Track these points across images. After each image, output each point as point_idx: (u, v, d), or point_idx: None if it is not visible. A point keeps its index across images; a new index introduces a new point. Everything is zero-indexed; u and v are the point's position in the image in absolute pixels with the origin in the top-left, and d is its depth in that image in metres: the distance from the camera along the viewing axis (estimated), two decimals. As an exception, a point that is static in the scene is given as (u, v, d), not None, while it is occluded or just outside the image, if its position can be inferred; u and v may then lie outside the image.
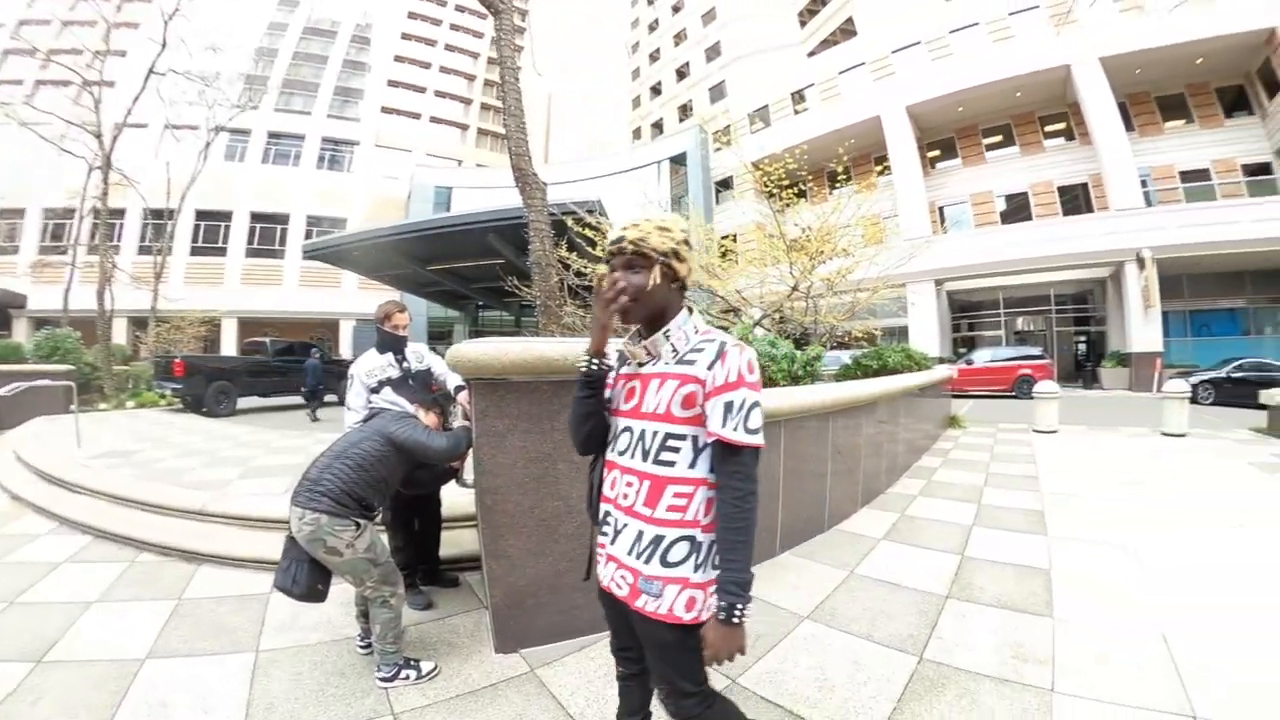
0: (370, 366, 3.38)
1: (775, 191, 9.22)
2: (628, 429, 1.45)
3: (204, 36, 20.04)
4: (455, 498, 3.78)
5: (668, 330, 1.42)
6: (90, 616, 3.29)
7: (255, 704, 2.43)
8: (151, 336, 18.30)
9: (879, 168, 15.45)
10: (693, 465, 1.37)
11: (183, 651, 2.88)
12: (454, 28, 46.82)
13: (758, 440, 1.31)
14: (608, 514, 1.49)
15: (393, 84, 41.30)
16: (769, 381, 5.15)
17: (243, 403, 13.81)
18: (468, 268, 19.22)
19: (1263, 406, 10.14)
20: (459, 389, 3.36)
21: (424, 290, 22.62)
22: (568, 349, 2.71)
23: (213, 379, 12.86)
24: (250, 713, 2.38)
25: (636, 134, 47.39)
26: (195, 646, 2.93)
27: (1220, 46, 20.29)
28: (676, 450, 1.37)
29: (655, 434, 1.39)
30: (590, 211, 9.23)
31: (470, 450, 2.91)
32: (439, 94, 44.04)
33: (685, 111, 41.72)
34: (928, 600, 3.28)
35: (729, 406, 1.31)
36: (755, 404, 1.32)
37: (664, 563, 1.36)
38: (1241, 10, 19.53)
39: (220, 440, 8.64)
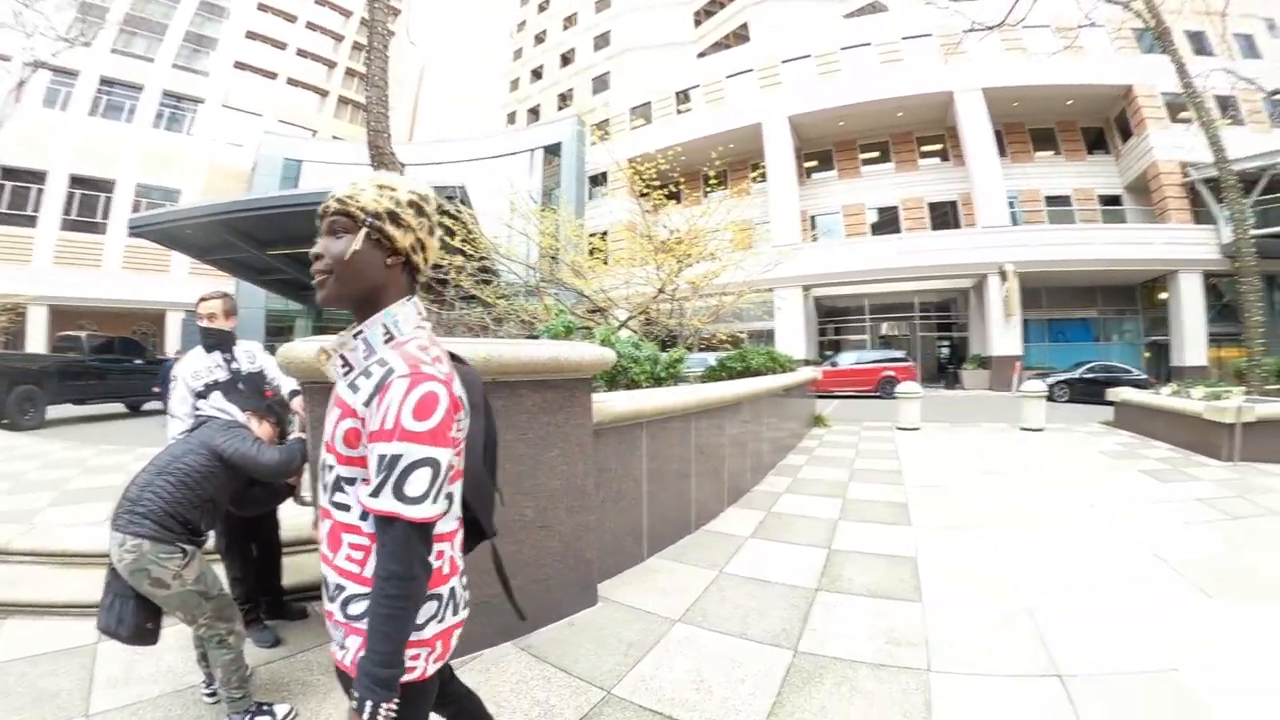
0: (196, 367, 3.12)
1: (646, 191, 9.51)
2: (330, 466, 1.22)
3: None
4: (295, 518, 3.54)
5: (360, 330, 1.20)
6: None
7: None
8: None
9: (754, 174, 16.52)
10: (365, 517, 1.15)
11: None
12: None
13: (414, 512, 1.06)
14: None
15: (251, 35, 37.70)
16: (630, 383, 5.16)
17: (53, 411, 12.28)
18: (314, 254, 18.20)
19: (1110, 403, 11.99)
20: (294, 394, 3.19)
21: (263, 279, 20.96)
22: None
23: (16, 382, 11.30)
24: None
25: (511, 119, 46.80)
26: None
27: (1088, 93, 24.59)
28: (345, 494, 1.17)
29: (329, 468, 1.19)
30: (450, 198, 9.04)
31: (306, 464, 2.80)
32: (301, 53, 40.87)
33: (565, 100, 41.73)
34: (798, 594, 3.51)
35: (380, 461, 1.07)
36: (419, 462, 1.06)
37: (344, 613, 1.17)
38: (1107, 66, 23.99)
39: (25, 460, 7.71)
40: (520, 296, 8.66)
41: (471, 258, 8.11)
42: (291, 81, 39.78)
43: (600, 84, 39.35)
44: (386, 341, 1.17)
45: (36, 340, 24.78)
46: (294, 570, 3.63)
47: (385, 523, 1.07)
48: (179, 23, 34.19)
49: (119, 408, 14.72)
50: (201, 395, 3.08)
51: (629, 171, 10.37)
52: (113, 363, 13.70)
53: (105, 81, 30.54)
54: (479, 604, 3.00)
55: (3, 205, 26.62)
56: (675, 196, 11.40)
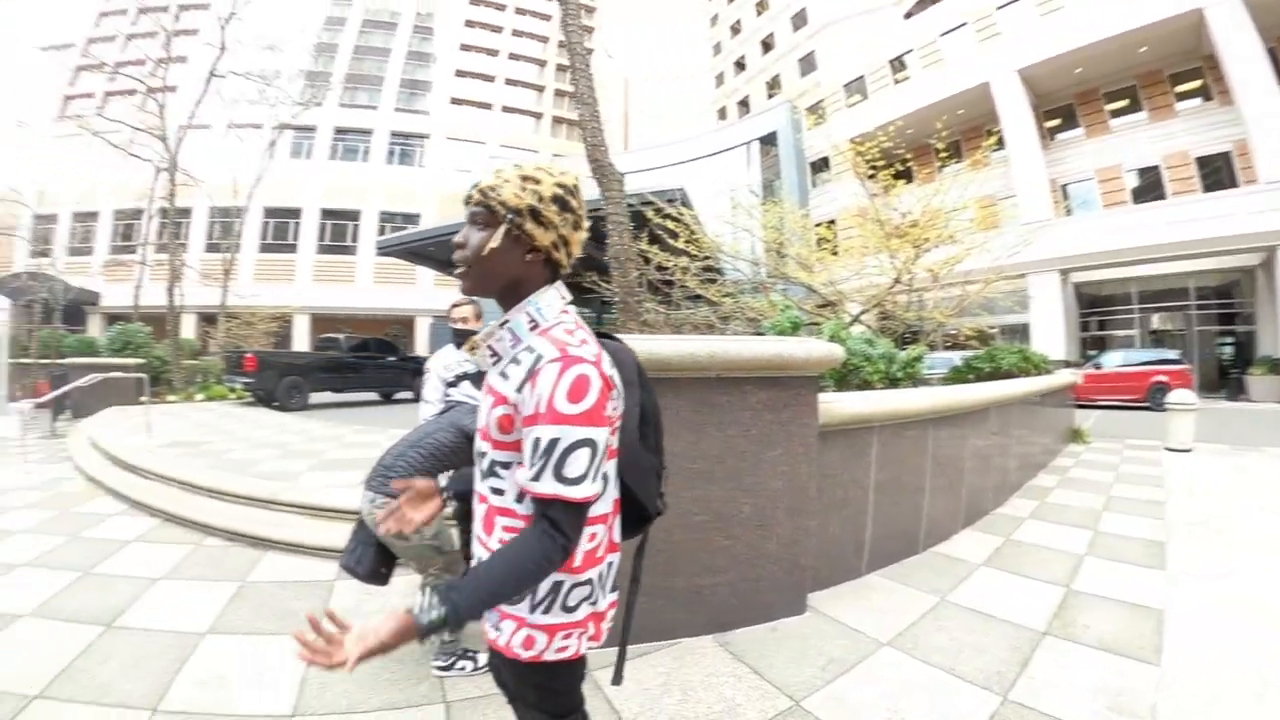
0: (448, 361, 3.50)
1: (873, 172, 8.93)
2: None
3: (261, 37, 21.53)
4: None
5: (505, 321, 1.20)
6: (156, 591, 3.61)
7: (310, 682, 2.60)
8: (221, 332, 19.85)
9: (990, 141, 14.34)
10: (520, 499, 1.17)
11: (243, 630, 3.12)
12: (519, 11, 47.77)
13: (575, 492, 1.07)
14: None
15: (460, 74, 42.51)
16: (863, 384, 4.91)
17: (315, 398, 14.62)
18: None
19: None
20: None
21: None
22: (641, 346, 2.77)
23: (285, 374, 13.69)
24: (305, 690, 2.54)
25: (722, 114, 46.48)
26: (256, 626, 3.17)
27: None
28: (501, 478, 1.19)
29: (482, 455, 1.22)
30: (671, 201, 9.18)
31: None
32: (510, 82, 45.05)
33: (774, 87, 40.52)
34: (1023, 636, 3.11)
35: (535, 445, 1.08)
36: (578, 444, 1.07)
37: None
38: None
39: (292, 434, 9.18)
40: (746, 294, 8.56)
41: (695, 258, 8.21)
42: (506, 109, 44.08)
43: (807, 64, 37.81)
44: (532, 329, 1.18)
45: (301, 341, 30.31)
46: None
47: (544, 504, 1.09)
48: (393, 73, 39.94)
49: (374, 397, 16.96)
50: (452, 384, 3.42)
51: (851, 153, 9.88)
52: (367, 359, 15.99)
53: (339, 131, 36.66)
54: (688, 591, 2.98)
55: (269, 237, 32.99)
56: (905, 175, 10.63)
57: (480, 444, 1.22)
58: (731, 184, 14.14)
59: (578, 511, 1.09)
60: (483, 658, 2.72)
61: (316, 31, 39.87)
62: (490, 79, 44.20)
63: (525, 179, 1.18)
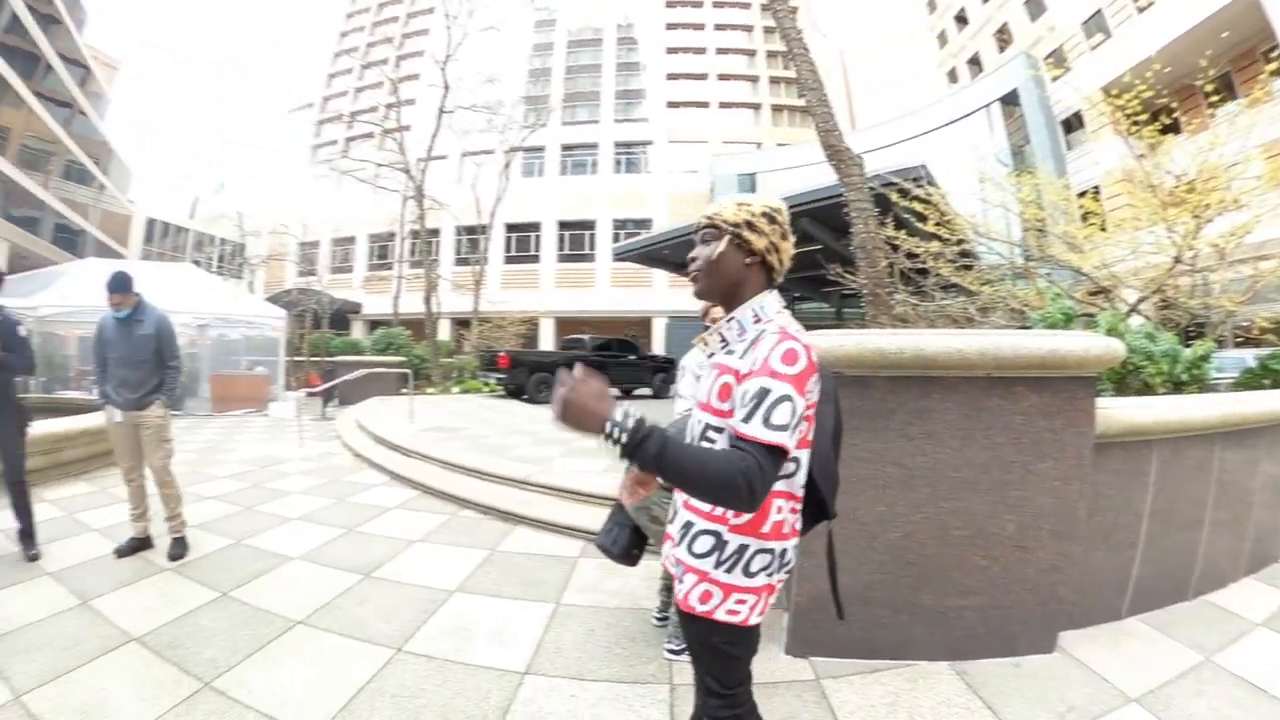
0: (701, 359, 3.49)
1: (1134, 127, 7.24)
2: (691, 414, 1.53)
3: (479, 72, 23.97)
4: None
5: (733, 317, 1.42)
6: (412, 551, 4.04)
7: (546, 645, 2.76)
8: (474, 334, 22.35)
9: (1271, 67, 10.54)
10: None
11: (489, 592, 3.38)
12: (717, 4, 47.62)
13: (776, 437, 1.21)
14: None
15: (672, 77, 43.48)
16: (1143, 386, 4.39)
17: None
18: (780, 257, 19.45)
19: None
20: None
21: None
22: (906, 342, 2.63)
23: (535, 371, 15.00)
24: (540, 651, 2.70)
25: (952, 76, 42.03)
26: (501, 590, 3.40)
27: None
28: (713, 442, 1.37)
29: (700, 422, 1.42)
30: (915, 180, 8.32)
31: None
32: (721, 77, 45.12)
33: (1004, 38, 35.79)
34: None
35: (744, 395, 1.26)
36: (784, 398, 1.23)
37: (690, 550, 1.42)
38: None
39: (542, 424, 9.86)
40: (1006, 280, 7.57)
41: (948, 241, 7.43)
42: (723, 105, 44.26)
43: (1035, 6, 32.42)
44: (755, 322, 1.39)
45: (546, 342, 33.06)
46: None
47: (745, 444, 1.22)
48: (607, 87, 41.81)
49: (615, 392, 18.13)
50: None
51: (1106, 105, 8.17)
52: (610, 358, 16.88)
53: (566, 148, 39.21)
54: (932, 611, 2.79)
55: (513, 250, 36.50)
56: (1173, 129, 8.46)
57: (697, 414, 1.44)
58: (975, 154, 12.43)
59: (773, 460, 1.21)
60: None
61: (527, 59, 43.30)
62: (701, 77, 44.50)
63: (740, 204, 1.43)
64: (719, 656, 1.42)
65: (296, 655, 2.67)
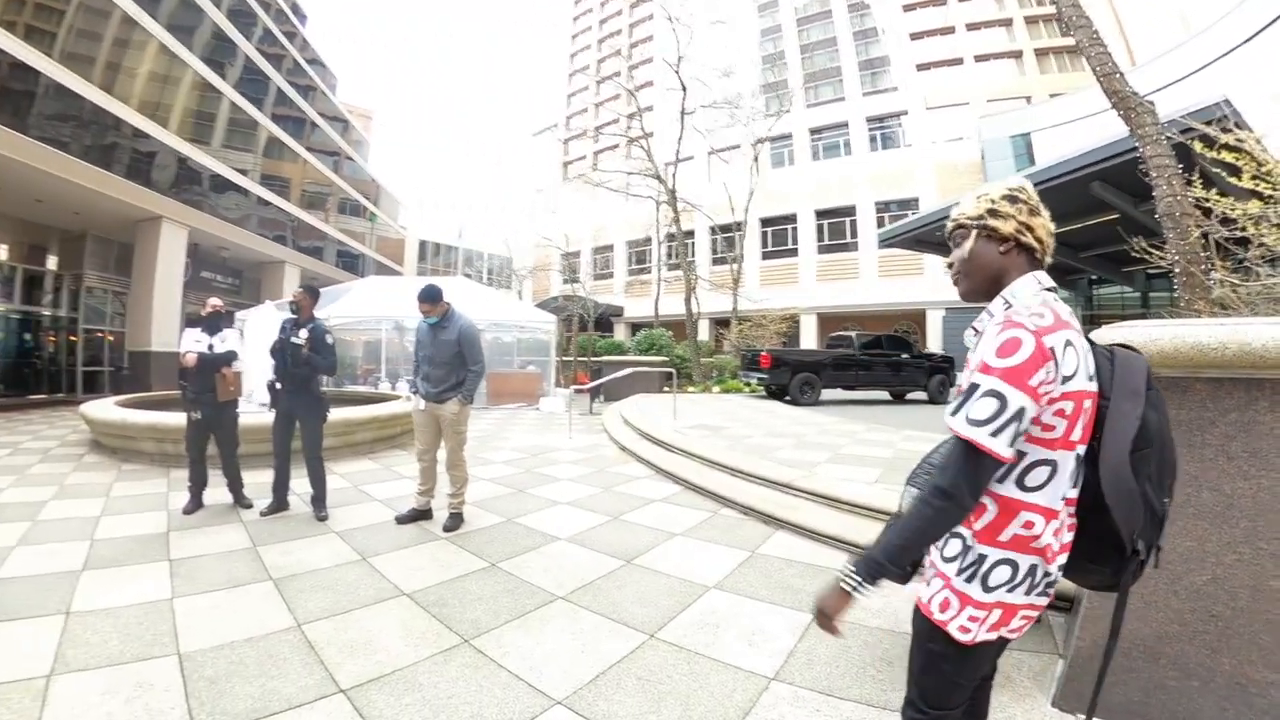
0: None
1: None
2: None
3: (714, 68, 24.24)
4: None
5: (984, 306, 1.44)
6: (673, 544, 4.17)
7: (798, 654, 2.74)
8: (734, 333, 22.84)
9: None
10: (1001, 478, 1.34)
11: (745, 593, 3.36)
12: None
13: (971, 433, 1.22)
14: None
15: (915, 36, 39.78)
16: None
17: (826, 394, 15.52)
18: (1071, 231, 16.65)
19: None
20: None
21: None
22: (1228, 334, 2.12)
23: (798, 370, 14.83)
24: (790, 660, 2.69)
25: None
26: (758, 592, 3.36)
27: None
28: None
29: None
30: (1218, 121, 6.66)
31: None
32: (970, 27, 40.16)
33: None
34: None
35: (961, 388, 1.29)
36: (989, 393, 1.22)
37: (941, 554, 1.41)
38: None
39: (806, 426, 9.76)
40: None
41: (1270, 200, 5.88)
42: (978, 58, 39.65)
43: None
44: (1005, 309, 1.35)
45: (808, 339, 32.53)
46: None
47: (954, 442, 1.26)
48: (847, 60, 39.19)
49: (885, 396, 17.28)
50: None
51: None
52: (879, 357, 16.14)
53: (814, 131, 37.64)
54: (1231, 682, 2.24)
55: (769, 245, 36.09)
56: None
57: None
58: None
59: (975, 461, 1.22)
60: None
61: (758, 46, 42.57)
62: (949, 31, 39.91)
63: (978, 196, 1.45)
64: (932, 666, 1.41)
65: (553, 627, 2.93)
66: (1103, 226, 14.21)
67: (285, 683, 2.37)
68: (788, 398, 14.44)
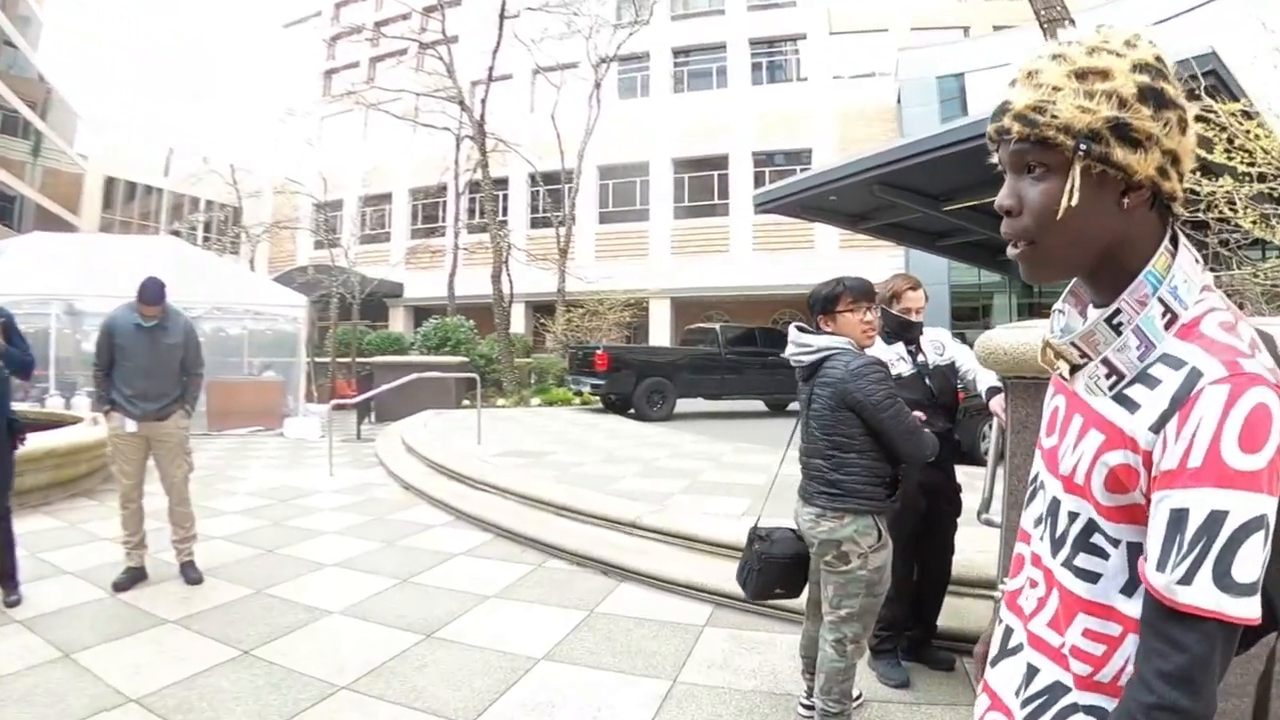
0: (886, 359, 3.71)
1: None
2: (1041, 485, 1.21)
3: None
4: (972, 555, 4.14)
5: (1115, 311, 1.07)
6: (485, 608, 4.46)
7: None
8: (560, 324, 22.88)
9: None
10: (1129, 591, 1.06)
11: (585, 662, 3.71)
12: None
13: (1242, 609, 0.92)
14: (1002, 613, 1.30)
15: None
16: None
17: (682, 405, 16.02)
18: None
19: None
20: (993, 391, 3.74)
21: (940, 245, 22.26)
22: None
23: (644, 375, 15.26)
24: None
25: None
26: (601, 660, 3.72)
27: None
28: (1103, 556, 1.08)
29: (1072, 516, 1.12)
30: (1197, 78, 7.79)
31: (1002, 470, 3.14)
32: None
33: None
34: None
35: (1177, 522, 0.94)
36: (1252, 524, 0.92)
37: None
38: None
39: (656, 448, 10.28)
40: None
41: (1245, 177, 6.96)
42: None
43: None
44: (1168, 325, 1.05)
45: (660, 333, 32.72)
46: (953, 613, 4.11)
47: (1182, 621, 0.95)
48: None
49: (759, 406, 18.08)
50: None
51: None
52: (751, 356, 16.89)
53: (679, 53, 37.84)
54: None
55: (610, 203, 36.18)
56: None
57: (1066, 498, 1.13)
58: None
59: (1229, 641, 0.95)
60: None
61: None
62: None
63: (1083, 74, 1.03)
64: None
65: (339, 728, 3.04)
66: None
67: None
68: (631, 410, 14.95)
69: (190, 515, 5.03)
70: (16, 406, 5.08)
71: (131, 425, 4.74)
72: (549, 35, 23.48)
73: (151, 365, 4.76)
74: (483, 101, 20.84)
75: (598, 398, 16.08)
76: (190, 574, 4.85)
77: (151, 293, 4.70)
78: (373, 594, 4.70)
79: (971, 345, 3.40)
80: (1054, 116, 1.01)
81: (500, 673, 3.56)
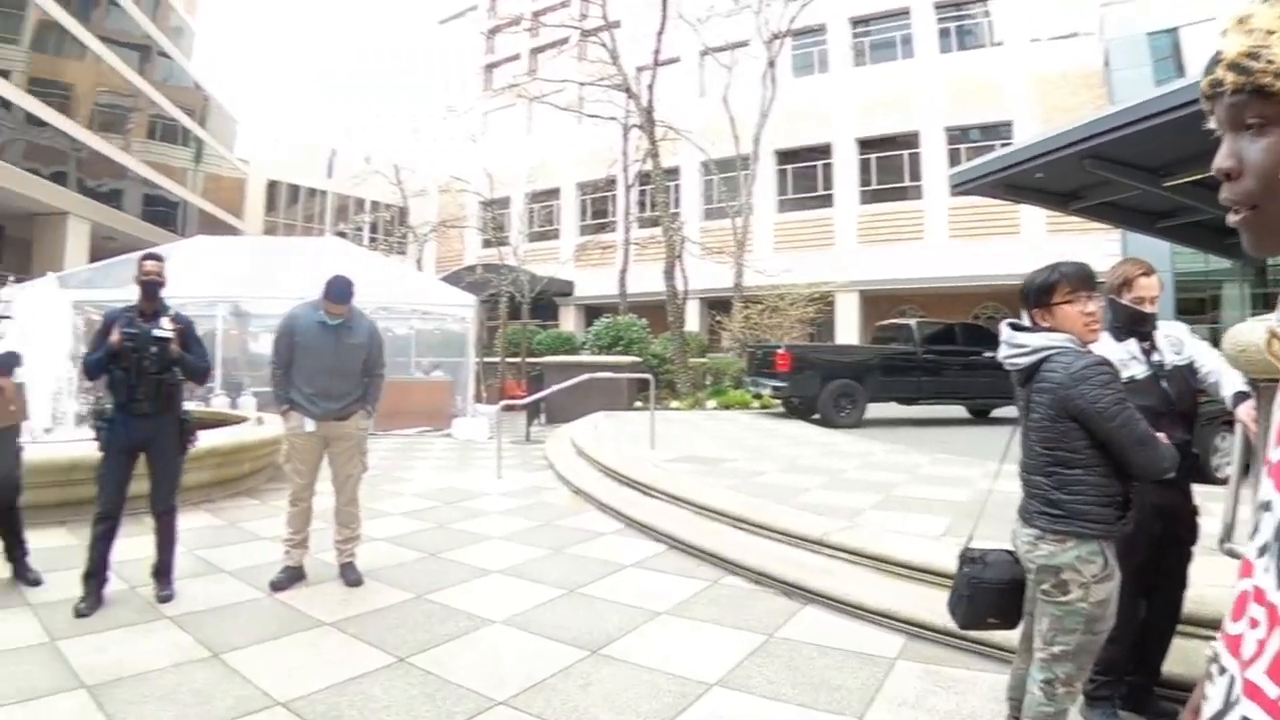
0: (1120, 358, 3.42)
1: None
2: (1268, 507, 0.99)
3: None
4: (1204, 590, 3.75)
5: None
6: (655, 626, 4.36)
7: None
8: (737, 321, 22.65)
9: None
10: None
11: (762, 692, 3.54)
12: None
13: None
14: (1216, 656, 1.08)
15: None
16: None
17: (873, 410, 15.58)
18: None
19: None
20: (1239, 397, 3.39)
21: (1161, 227, 20.76)
22: None
23: (831, 376, 14.85)
24: None
25: None
26: (780, 691, 3.54)
27: None
28: None
29: None
30: None
31: (1248, 490, 2.90)
32: None
33: None
34: None
35: None
36: None
37: None
38: None
39: (844, 457, 9.99)
40: None
41: None
42: None
43: None
44: None
45: (848, 330, 31.69)
46: (1180, 658, 3.71)
47: None
48: None
49: (960, 411, 17.30)
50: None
51: None
52: (951, 356, 16.21)
53: (858, 22, 36.44)
54: None
55: (789, 190, 35.36)
56: None
57: None
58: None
59: None
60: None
61: None
62: None
63: None
64: None
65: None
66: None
67: None
68: (816, 416, 14.59)
69: (357, 516, 5.25)
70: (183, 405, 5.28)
71: (310, 425, 4.99)
72: (716, 13, 23.23)
73: (335, 364, 5.04)
74: (650, 88, 20.85)
75: (779, 401, 15.83)
76: (350, 575, 5.05)
77: (339, 291, 5.00)
78: (537, 604, 4.68)
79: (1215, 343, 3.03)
80: (1269, 61, 0.91)
81: (669, 697, 3.48)
